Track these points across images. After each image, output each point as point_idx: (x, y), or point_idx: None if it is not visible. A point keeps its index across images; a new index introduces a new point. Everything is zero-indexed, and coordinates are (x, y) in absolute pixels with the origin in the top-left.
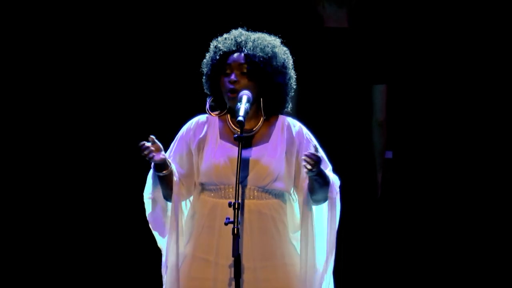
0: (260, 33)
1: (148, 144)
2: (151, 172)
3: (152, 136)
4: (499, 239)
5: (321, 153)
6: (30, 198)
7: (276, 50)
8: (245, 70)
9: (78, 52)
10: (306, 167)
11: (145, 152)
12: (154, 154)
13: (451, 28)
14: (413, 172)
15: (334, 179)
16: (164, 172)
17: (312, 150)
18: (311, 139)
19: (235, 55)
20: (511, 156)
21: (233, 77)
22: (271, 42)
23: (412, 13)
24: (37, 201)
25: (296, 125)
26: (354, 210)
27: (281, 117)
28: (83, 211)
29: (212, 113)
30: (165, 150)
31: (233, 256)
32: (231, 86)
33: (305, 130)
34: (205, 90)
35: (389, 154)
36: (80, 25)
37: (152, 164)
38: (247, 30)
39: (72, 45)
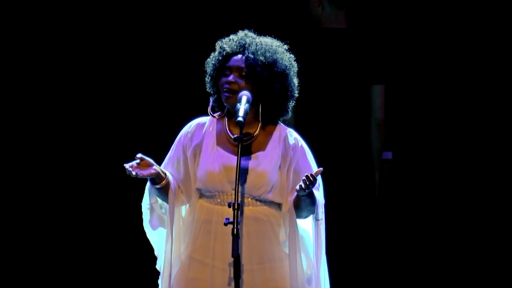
0: (268, 37)
1: (131, 163)
2: (148, 183)
3: (139, 155)
4: (499, 239)
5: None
6: (30, 199)
7: (278, 56)
8: (243, 73)
9: (81, 54)
10: (301, 186)
11: (132, 173)
12: (140, 171)
13: (449, 28)
14: (411, 172)
15: (320, 199)
16: (160, 184)
17: (314, 171)
18: (306, 153)
19: (237, 57)
20: (511, 156)
21: (231, 78)
22: (274, 48)
23: (410, 13)
24: (37, 201)
25: (293, 136)
26: (352, 209)
27: (280, 126)
28: (83, 212)
29: (213, 115)
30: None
31: (232, 256)
32: (228, 86)
33: (301, 143)
34: (208, 89)
35: (388, 155)
36: (80, 26)
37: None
38: (254, 33)
39: (74, 47)
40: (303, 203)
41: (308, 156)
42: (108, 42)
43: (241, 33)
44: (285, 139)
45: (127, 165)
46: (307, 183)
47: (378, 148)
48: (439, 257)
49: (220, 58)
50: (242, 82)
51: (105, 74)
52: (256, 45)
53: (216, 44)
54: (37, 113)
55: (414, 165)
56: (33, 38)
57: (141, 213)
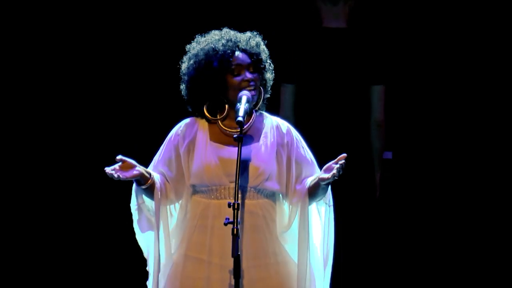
0: (237, 31)
1: (112, 166)
2: (134, 184)
3: (119, 156)
4: (499, 239)
5: (311, 157)
6: (30, 199)
7: (263, 46)
8: (252, 69)
9: (76, 55)
10: (334, 175)
11: (114, 176)
12: (122, 173)
13: (449, 28)
14: (412, 172)
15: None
16: (145, 185)
17: (310, 159)
18: (302, 143)
19: (238, 54)
20: (511, 156)
21: (249, 75)
22: (259, 39)
23: (410, 14)
24: (37, 202)
25: (285, 125)
26: (353, 210)
27: (267, 116)
28: (76, 213)
29: (215, 118)
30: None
31: (232, 256)
32: (253, 84)
33: (293, 130)
34: (198, 94)
35: (388, 155)
36: (73, 27)
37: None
38: (231, 29)
39: (71, 48)
40: (322, 191)
41: (304, 145)
42: (103, 44)
43: (222, 32)
44: (278, 127)
45: (108, 169)
46: (339, 171)
47: (378, 148)
48: (440, 257)
49: (223, 59)
50: (256, 77)
51: (98, 76)
52: (248, 40)
53: (199, 50)
54: (31, 114)
55: (414, 165)
56: (31, 39)
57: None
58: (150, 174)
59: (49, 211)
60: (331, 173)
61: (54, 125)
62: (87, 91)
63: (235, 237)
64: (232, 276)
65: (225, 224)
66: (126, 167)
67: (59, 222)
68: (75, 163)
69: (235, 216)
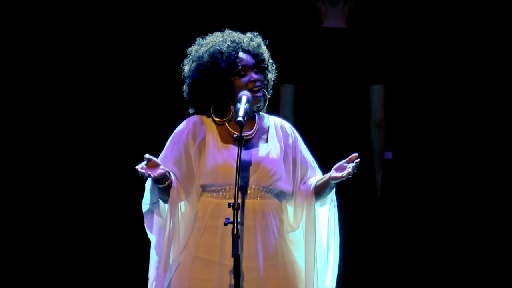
0: (238, 32)
1: (141, 165)
2: (149, 182)
3: (147, 155)
4: (499, 239)
5: (312, 158)
6: (30, 199)
7: (264, 46)
8: (256, 69)
9: (77, 55)
10: (348, 175)
11: (145, 175)
12: (152, 171)
13: (449, 28)
14: (412, 173)
15: None
16: (164, 184)
17: (310, 159)
18: (301, 140)
19: (243, 56)
20: (510, 155)
21: (255, 76)
22: (259, 40)
23: (409, 13)
24: (37, 202)
25: (288, 125)
26: (354, 211)
27: (269, 116)
28: (80, 212)
29: (222, 120)
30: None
31: (232, 256)
32: (259, 84)
33: (295, 132)
34: (204, 96)
35: (388, 155)
36: (76, 27)
37: None
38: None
39: (71, 48)
40: (329, 191)
41: (304, 146)
42: (103, 44)
43: (225, 33)
44: (282, 128)
45: (138, 167)
46: (355, 170)
47: (378, 149)
48: (440, 257)
49: (229, 61)
50: (261, 77)
51: (99, 77)
52: (250, 40)
53: (203, 53)
54: (33, 114)
55: (414, 165)
56: (33, 39)
57: (140, 213)
58: (169, 173)
59: (49, 211)
60: (346, 172)
61: (55, 125)
62: (87, 91)
63: (235, 237)
64: (238, 277)
65: (225, 224)
66: (152, 165)
67: (59, 222)
68: (75, 163)
69: (235, 216)
